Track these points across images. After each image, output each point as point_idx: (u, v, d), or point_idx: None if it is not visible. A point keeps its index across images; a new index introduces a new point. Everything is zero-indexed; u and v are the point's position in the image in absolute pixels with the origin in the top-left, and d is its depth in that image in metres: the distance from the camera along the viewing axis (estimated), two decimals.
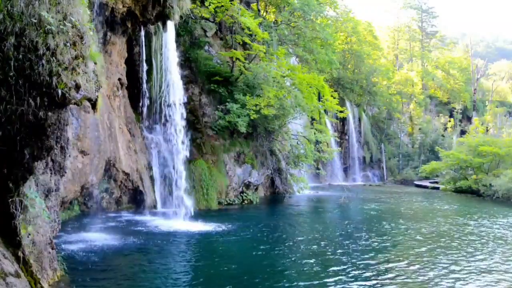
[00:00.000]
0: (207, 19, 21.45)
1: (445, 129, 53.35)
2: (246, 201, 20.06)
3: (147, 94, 17.96)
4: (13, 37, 5.12)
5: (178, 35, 18.81)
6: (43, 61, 5.17)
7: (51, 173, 7.25)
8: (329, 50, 32.21)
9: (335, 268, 9.04)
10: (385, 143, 48.42)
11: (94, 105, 6.32)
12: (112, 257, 9.45)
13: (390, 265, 9.50)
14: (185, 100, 17.04)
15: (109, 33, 14.21)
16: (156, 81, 17.86)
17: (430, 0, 73.87)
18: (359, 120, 46.48)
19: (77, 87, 5.46)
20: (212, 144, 19.92)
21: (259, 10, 29.27)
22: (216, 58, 22.13)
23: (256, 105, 19.33)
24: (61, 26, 5.33)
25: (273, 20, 30.88)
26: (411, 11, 66.56)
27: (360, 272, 8.81)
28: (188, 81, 20.04)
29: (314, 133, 24.87)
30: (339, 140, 39.16)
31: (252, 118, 19.15)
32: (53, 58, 5.24)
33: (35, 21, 5.19)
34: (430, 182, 38.08)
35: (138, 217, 14.82)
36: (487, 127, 49.55)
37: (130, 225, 13.40)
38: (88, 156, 13.16)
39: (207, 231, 12.94)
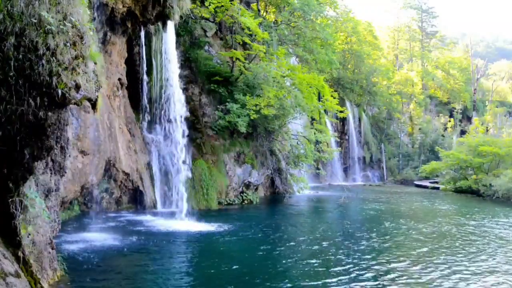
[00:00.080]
0: (207, 19, 21.45)
1: (445, 129, 53.36)
2: (246, 201, 20.06)
3: (147, 94, 17.96)
4: (13, 37, 5.12)
5: (178, 35, 18.81)
6: (43, 61, 5.17)
7: (51, 173, 7.25)
8: (329, 50, 32.21)
9: (336, 269, 9.01)
10: (385, 143, 48.43)
11: (94, 105, 6.32)
12: (112, 257, 9.44)
13: (392, 265, 9.46)
14: (184, 97, 17.03)
15: (109, 33, 14.21)
16: (156, 81, 17.86)
17: (430, 0, 73.87)
18: (359, 120, 46.50)
19: (77, 87, 5.46)
20: (212, 144, 19.93)
21: (259, 10, 29.27)
22: (216, 58, 22.13)
23: (256, 105, 19.34)
24: (61, 26, 5.33)
25: (273, 20, 30.88)
26: (411, 11, 66.60)
27: (362, 272, 8.77)
28: (188, 81, 20.05)
29: (314, 133, 24.87)
30: (339, 140, 39.18)
31: (252, 118, 19.15)
32: (53, 58, 5.23)
33: (35, 21, 5.18)
34: (430, 182, 38.08)
35: (138, 217, 14.81)
36: (487, 127, 49.56)
37: (130, 225, 13.39)
38: (88, 156, 13.16)
39: (207, 231, 12.93)
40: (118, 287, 7.64)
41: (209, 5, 19.83)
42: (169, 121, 16.76)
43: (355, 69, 47.51)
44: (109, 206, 15.75)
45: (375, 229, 14.40)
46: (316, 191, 28.35)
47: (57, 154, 6.91)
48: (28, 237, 6.33)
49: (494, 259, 10.29)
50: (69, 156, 9.10)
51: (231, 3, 20.00)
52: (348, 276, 8.45)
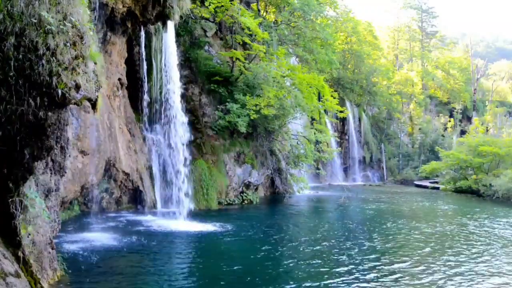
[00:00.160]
0: (207, 19, 21.45)
1: (445, 129, 53.37)
2: (246, 201, 20.05)
3: (147, 94, 17.96)
4: (13, 37, 5.12)
5: (178, 35, 18.81)
6: (43, 61, 5.17)
7: (51, 173, 7.25)
8: (329, 50, 32.21)
9: (339, 269, 8.97)
10: (385, 143, 48.42)
11: (94, 105, 6.32)
12: (112, 257, 9.44)
13: (395, 266, 9.41)
14: (182, 90, 17.01)
15: (109, 33, 14.21)
16: (156, 81, 17.86)
17: (430, 0, 73.87)
18: (359, 120, 46.49)
19: (77, 87, 5.46)
20: (212, 144, 19.93)
21: (259, 10, 29.27)
22: (216, 58, 22.14)
23: (256, 105, 19.34)
24: (61, 26, 5.33)
25: (273, 20, 30.87)
26: (411, 11, 66.60)
27: (364, 273, 8.73)
28: (188, 81, 20.05)
29: (314, 133, 24.87)
30: (339, 140, 39.17)
31: (252, 118, 19.15)
32: (53, 58, 5.24)
33: (35, 21, 5.19)
34: (430, 182, 38.08)
35: (138, 217, 14.81)
36: (487, 127, 49.56)
37: (130, 225, 13.39)
38: (88, 156, 13.16)
39: (207, 231, 12.93)
40: (118, 287, 7.64)
41: (209, 5, 19.83)
42: (169, 121, 16.74)
43: (355, 69, 47.50)
44: (109, 206, 15.74)
45: (376, 229, 14.37)
46: (316, 191, 28.35)
47: (57, 154, 6.91)
48: (28, 237, 6.33)
49: (497, 259, 10.23)
50: (69, 156, 9.11)
51: (231, 3, 20.00)
52: (350, 277, 8.41)
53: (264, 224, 15.14)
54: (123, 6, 13.14)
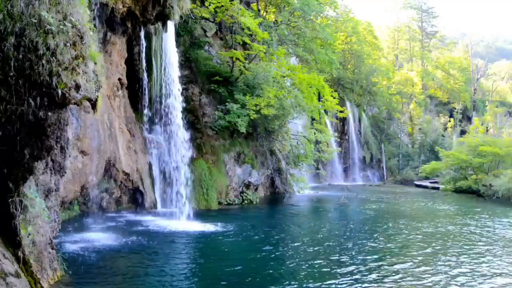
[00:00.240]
0: (207, 19, 21.46)
1: (445, 129, 53.39)
2: (246, 201, 20.05)
3: (147, 94, 17.96)
4: (13, 37, 5.13)
5: (178, 35, 18.81)
6: (43, 61, 5.18)
7: (51, 173, 7.25)
8: (329, 50, 32.25)
9: (341, 270, 8.92)
10: (385, 143, 48.44)
11: (94, 105, 6.32)
12: (112, 257, 9.44)
13: (397, 266, 9.33)
14: (182, 90, 17.00)
15: (109, 33, 14.21)
16: (156, 81, 17.86)
17: (430, 0, 73.85)
18: (359, 120, 46.51)
19: (77, 87, 5.46)
20: (212, 144, 19.93)
21: (259, 10, 29.29)
22: (216, 58, 22.14)
23: (256, 105, 19.34)
24: (61, 26, 5.33)
25: (273, 20, 30.88)
26: (411, 11, 66.62)
27: (366, 274, 8.68)
28: (188, 81, 20.05)
29: (314, 133, 24.89)
30: (339, 140, 39.18)
31: (252, 118, 19.15)
32: (53, 58, 5.24)
33: (35, 21, 5.19)
34: (430, 182, 38.08)
35: (138, 217, 14.81)
36: (487, 127, 49.55)
37: (130, 225, 13.38)
38: (88, 156, 13.16)
39: (208, 231, 12.93)
40: (118, 287, 7.65)
41: (209, 5, 19.84)
42: (169, 121, 16.74)
43: (355, 69, 47.52)
44: (109, 206, 15.74)
45: (377, 230, 14.34)
46: (316, 191, 28.34)
47: (57, 154, 6.91)
48: (28, 237, 6.33)
49: (499, 260, 10.15)
50: (69, 156, 9.10)
51: (231, 3, 20.01)
52: (353, 277, 8.36)
53: (265, 224, 15.13)
54: (123, 6, 13.14)
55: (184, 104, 17.00)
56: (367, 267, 9.22)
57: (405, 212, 19.57)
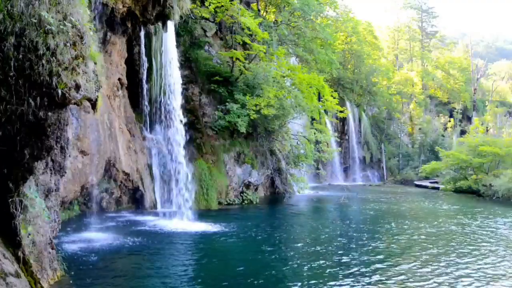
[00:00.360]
0: (207, 19, 21.46)
1: (445, 129, 53.40)
2: (246, 201, 20.05)
3: (147, 94, 17.96)
4: (13, 37, 5.12)
5: (178, 35, 18.81)
6: (43, 61, 5.17)
7: (51, 173, 7.25)
8: (329, 50, 32.25)
9: (342, 271, 8.86)
10: (385, 143, 48.44)
11: (94, 105, 6.32)
12: (112, 257, 9.44)
13: (400, 267, 9.26)
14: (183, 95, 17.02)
15: (109, 33, 14.21)
16: (156, 81, 17.86)
17: (430, 0, 73.89)
18: (359, 120, 46.52)
19: (77, 87, 5.46)
20: (212, 144, 19.93)
21: (259, 10, 29.29)
22: (216, 58, 22.14)
23: (256, 105, 19.34)
24: (61, 26, 5.33)
25: (273, 20, 30.89)
26: (411, 11, 66.66)
27: (369, 274, 8.61)
28: (188, 81, 20.05)
29: (314, 133, 24.89)
30: (339, 140, 39.22)
31: (252, 118, 19.15)
32: (53, 58, 5.24)
33: (35, 21, 5.19)
34: (430, 182, 38.08)
35: (138, 217, 14.80)
36: (487, 127, 49.56)
37: (130, 225, 13.38)
38: (88, 156, 13.16)
39: (208, 231, 12.92)
40: (118, 287, 7.64)
41: (209, 5, 19.85)
42: (169, 121, 16.75)
43: (355, 69, 47.54)
44: (109, 206, 15.75)
45: (378, 230, 14.31)
46: (316, 191, 28.34)
47: (57, 154, 6.91)
48: (28, 237, 6.33)
49: (503, 260, 10.06)
50: (69, 156, 9.10)
51: (231, 3, 20.01)
52: (356, 278, 8.30)
53: (265, 224, 15.12)
54: (123, 6, 13.14)
55: (184, 104, 16.99)
56: (370, 268, 9.14)
57: (406, 212, 19.56)
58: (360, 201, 23.81)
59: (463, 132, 49.42)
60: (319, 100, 26.37)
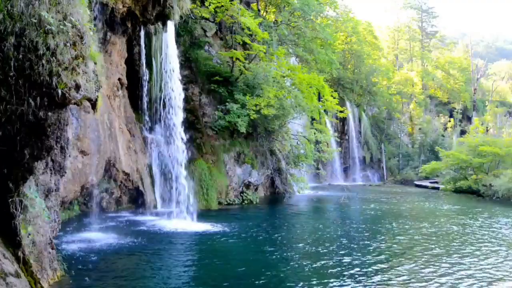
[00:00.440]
0: (207, 19, 21.46)
1: (445, 129, 53.41)
2: (246, 201, 20.05)
3: (147, 94, 17.96)
4: (13, 37, 5.12)
5: (178, 35, 18.81)
6: (43, 61, 5.17)
7: (51, 173, 7.24)
8: (329, 50, 32.25)
9: (344, 271, 8.83)
10: (385, 143, 48.44)
11: (94, 105, 6.32)
12: (112, 257, 9.43)
13: (401, 267, 9.21)
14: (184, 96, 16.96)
15: (109, 33, 14.21)
16: (156, 81, 17.86)
17: (430, 0, 73.89)
18: (359, 120, 46.52)
19: (77, 87, 5.46)
20: (212, 144, 19.92)
21: (259, 10, 29.28)
22: (216, 58, 22.14)
23: (256, 105, 19.34)
24: (61, 26, 5.33)
25: (273, 20, 30.89)
26: (411, 11, 66.66)
27: (370, 275, 8.58)
28: (188, 81, 20.05)
29: (314, 133, 24.89)
30: (339, 140, 39.21)
31: (252, 118, 19.15)
32: (53, 58, 5.23)
33: (35, 21, 5.18)
34: (430, 182, 38.08)
35: (138, 217, 14.80)
36: (487, 127, 49.56)
37: (130, 225, 13.38)
38: (88, 156, 13.15)
39: (207, 231, 12.91)
40: (118, 287, 7.64)
41: (209, 5, 19.84)
42: (169, 121, 16.74)
43: (355, 69, 47.54)
44: (109, 206, 15.74)
45: (379, 230, 14.29)
46: (316, 191, 28.33)
47: (57, 154, 6.91)
48: (28, 237, 6.33)
49: (505, 261, 10.02)
50: (69, 156, 9.10)
51: (231, 3, 20.00)
52: (357, 279, 8.28)
53: (266, 224, 15.11)
54: (123, 6, 13.13)
55: (184, 104, 16.98)
56: (371, 268, 9.10)
57: (406, 212, 19.55)
58: (360, 201, 23.80)
59: (463, 132, 49.42)
60: (319, 100, 26.37)
